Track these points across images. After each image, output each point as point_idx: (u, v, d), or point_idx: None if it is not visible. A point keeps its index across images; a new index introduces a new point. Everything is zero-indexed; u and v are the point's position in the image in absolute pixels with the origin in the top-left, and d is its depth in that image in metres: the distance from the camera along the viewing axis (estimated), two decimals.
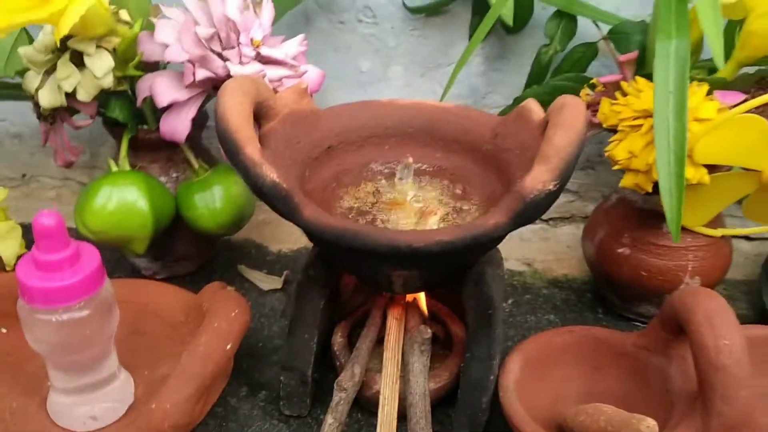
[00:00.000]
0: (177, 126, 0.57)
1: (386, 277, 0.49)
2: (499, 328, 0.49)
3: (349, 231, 0.42)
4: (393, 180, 0.54)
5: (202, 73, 0.54)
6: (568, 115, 0.43)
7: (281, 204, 0.43)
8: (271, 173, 0.42)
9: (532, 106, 0.49)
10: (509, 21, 0.62)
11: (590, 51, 0.64)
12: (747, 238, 0.75)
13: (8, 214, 0.69)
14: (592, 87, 0.58)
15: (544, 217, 0.78)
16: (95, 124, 0.64)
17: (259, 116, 0.48)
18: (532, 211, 0.42)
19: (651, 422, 0.41)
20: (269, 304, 0.66)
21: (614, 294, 0.64)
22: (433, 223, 0.50)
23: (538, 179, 0.41)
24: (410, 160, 0.53)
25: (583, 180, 0.76)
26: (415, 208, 0.51)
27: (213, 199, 0.60)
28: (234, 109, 0.43)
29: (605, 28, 0.63)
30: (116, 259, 0.70)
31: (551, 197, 0.42)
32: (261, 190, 0.42)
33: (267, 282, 0.68)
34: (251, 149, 0.42)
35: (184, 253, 0.68)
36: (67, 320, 0.44)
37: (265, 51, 0.56)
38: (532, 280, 0.71)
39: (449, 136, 0.54)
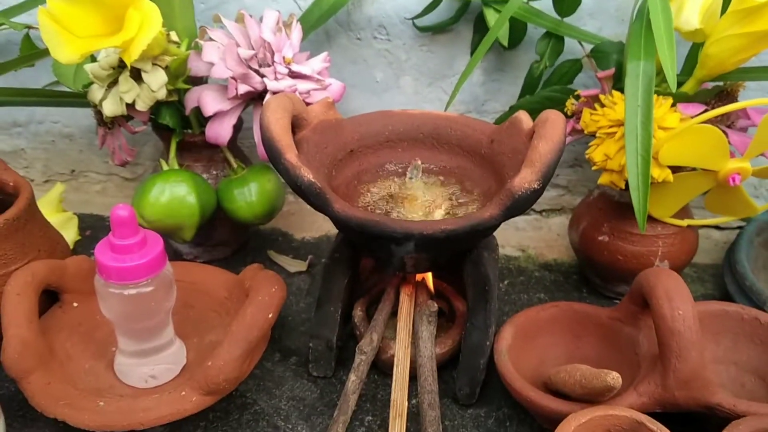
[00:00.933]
0: (221, 131, 0.63)
1: (400, 259, 0.54)
2: (494, 302, 0.54)
3: (371, 221, 0.48)
4: (405, 178, 0.60)
5: (243, 88, 0.60)
6: (550, 128, 0.49)
7: (315, 199, 0.49)
8: (307, 174, 0.48)
9: (523, 117, 0.55)
10: (505, 42, 0.67)
11: (575, 66, 0.69)
12: (717, 227, 0.80)
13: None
14: (577, 98, 0.63)
15: (537, 208, 0.83)
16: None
17: (295, 126, 0.54)
18: (520, 205, 0.48)
19: (615, 374, 0.46)
20: (296, 284, 0.71)
21: (596, 275, 0.69)
22: (438, 214, 0.55)
23: (525, 179, 0.48)
24: (419, 161, 0.60)
25: (572, 176, 0.80)
26: (424, 202, 0.57)
27: (250, 194, 0.66)
28: (276, 123, 0.50)
29: (588, 47, 0.67)
30: None
31: (536, 194, 0.48)
32: (300, 188, 0.49)
33: (293, 265, 0.74)
34: (291, 155, 0.49)
35: (222, 240, 0.73)
36: (135, 294, 0.49)
37: (295, 67, 0.62)
38: (526, 264, 0.76)
39: (452, 141, 0.60)
